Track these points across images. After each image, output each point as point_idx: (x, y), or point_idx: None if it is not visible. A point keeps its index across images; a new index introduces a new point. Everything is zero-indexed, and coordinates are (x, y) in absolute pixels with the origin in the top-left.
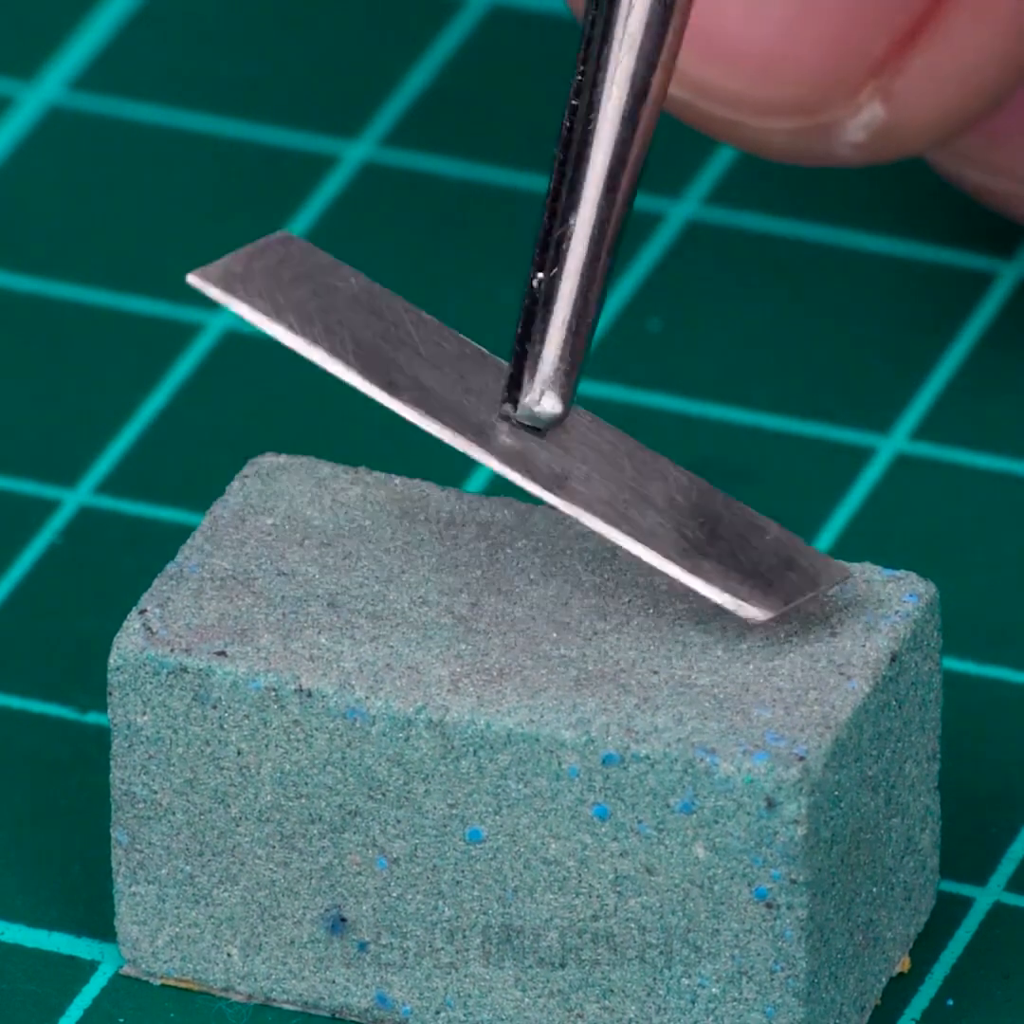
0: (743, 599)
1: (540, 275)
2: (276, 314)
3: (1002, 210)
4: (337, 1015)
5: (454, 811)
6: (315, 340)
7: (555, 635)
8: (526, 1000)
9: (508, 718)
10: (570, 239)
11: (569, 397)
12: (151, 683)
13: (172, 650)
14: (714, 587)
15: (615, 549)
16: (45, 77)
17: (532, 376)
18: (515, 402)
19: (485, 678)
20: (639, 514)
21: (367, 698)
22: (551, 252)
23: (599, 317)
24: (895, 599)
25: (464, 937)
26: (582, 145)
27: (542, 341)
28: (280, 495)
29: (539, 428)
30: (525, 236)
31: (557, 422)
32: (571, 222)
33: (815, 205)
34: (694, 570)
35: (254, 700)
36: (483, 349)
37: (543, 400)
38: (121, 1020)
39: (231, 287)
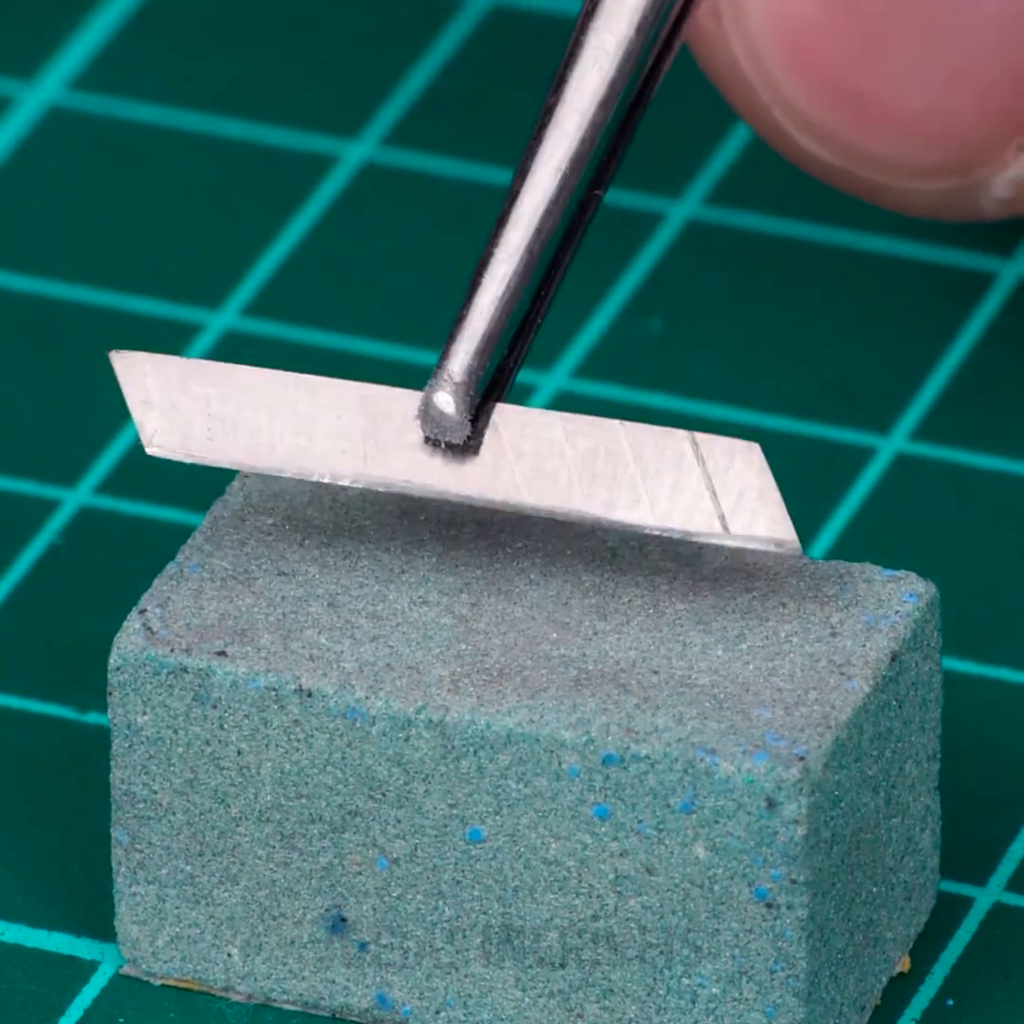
0: (783, 537)
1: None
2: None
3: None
4: (337, 1015)
5: (454, 811)
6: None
7: (555, 635)
8: (526, 1000)
9: (508, 718)
10: (495, 257)
11: (467, 403)
12: (151, 683)
13: (172, 650)
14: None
15: (615, 549)
16: (45, 77)
17: (437, 376)
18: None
19: (485, 678)
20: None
21: (367, 698)
22: (483, 260)
23: (522, 339)
24: (895, 599)
25: (464, 937)
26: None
27: (451, 345)
28: (280, 495)
29: (446, 440)
30: None
31: (457, 433)
32: (499, 241)
33: (815, 205)
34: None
35: (254, 700)
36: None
37: (438, 397)
38: (121, 1020)
39: (171, 437)
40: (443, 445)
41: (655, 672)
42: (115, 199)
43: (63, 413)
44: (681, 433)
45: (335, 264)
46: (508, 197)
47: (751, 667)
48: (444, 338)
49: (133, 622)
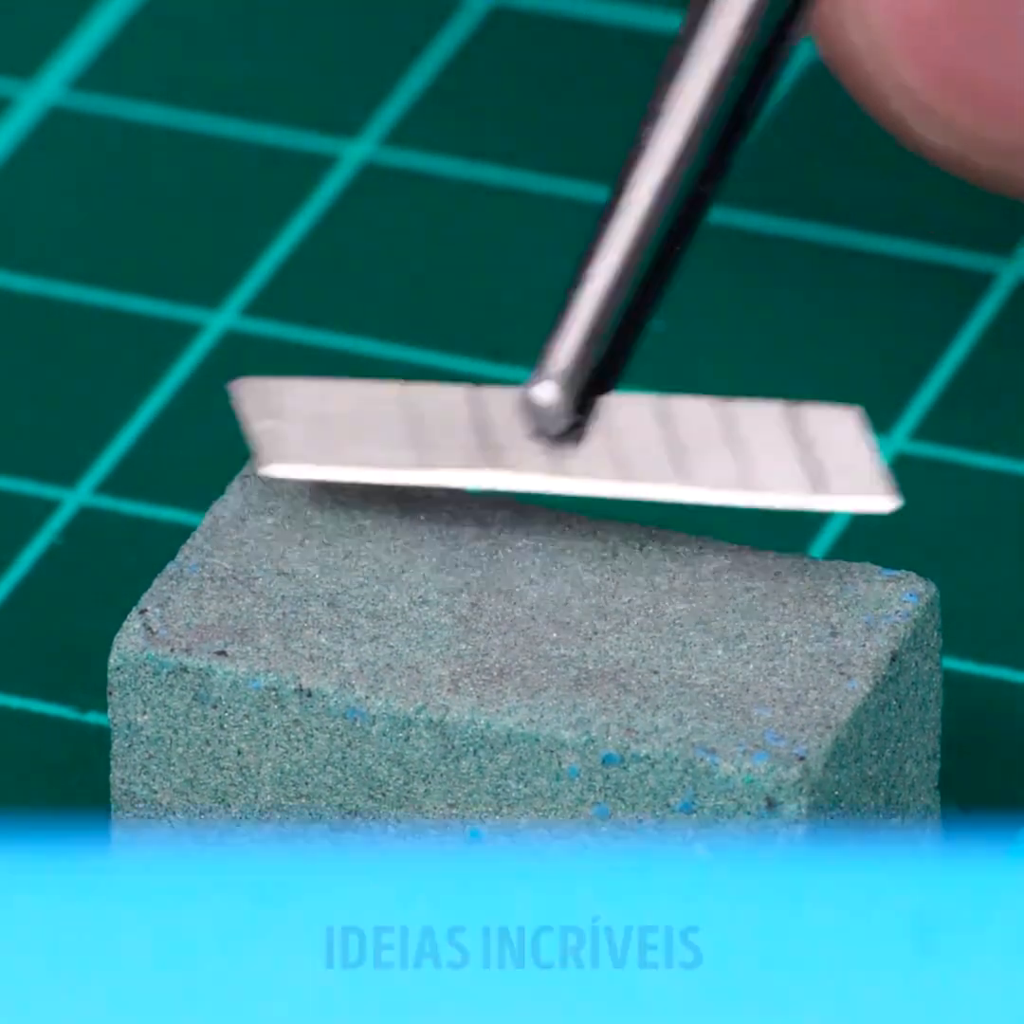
0: (868, 492)
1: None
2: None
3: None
4: None
5: (454, 811)
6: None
7: (555, 635)
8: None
9: (508, 718)
10: (599, 250)
11: (568, 393)
12: (151, 683)
13: (172, 650)
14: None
15: (616, 549)
16: (45, 77)
17: (539, 367)
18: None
19: (485, 678)
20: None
21: (367, 698)
22: (587, 253)
23: (629, 331)
24: (895, 599)
25: None
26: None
27: (554, 336)
28: (280, 495)
29: (549, 432)
30: (525, 236)
31: (560, 419)
32: (605, 234)
33: (815, 205)
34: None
35: (254, 700)
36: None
37: (537, 388)
38: None
39: (290, 456)
40: (548, 438)
41: (655, 672)
42: (115, 199)
43: (63, 413)
44: (775, 403)
45: (335, 264)
46: (614, 190)
47: (751, 667)
48: (445, 339)
49: (133, 622)
